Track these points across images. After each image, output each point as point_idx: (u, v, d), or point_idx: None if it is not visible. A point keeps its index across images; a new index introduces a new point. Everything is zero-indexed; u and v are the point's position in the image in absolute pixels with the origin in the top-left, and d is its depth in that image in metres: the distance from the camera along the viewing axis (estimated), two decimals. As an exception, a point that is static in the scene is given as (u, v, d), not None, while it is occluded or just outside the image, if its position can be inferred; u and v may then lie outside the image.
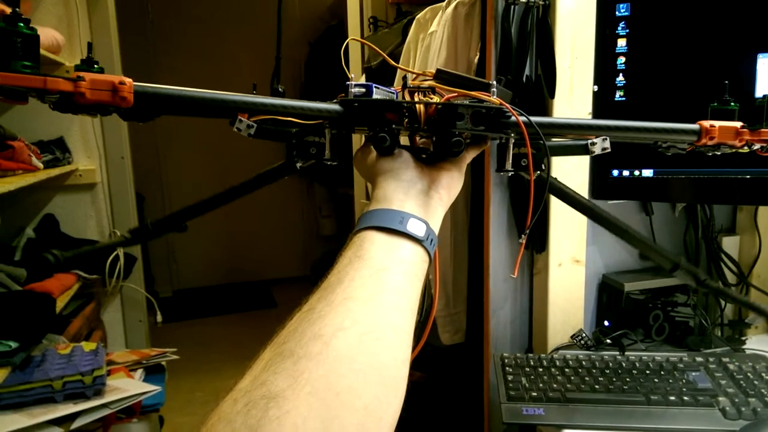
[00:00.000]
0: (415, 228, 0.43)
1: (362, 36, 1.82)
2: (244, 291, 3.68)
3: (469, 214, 1.22)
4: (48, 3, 1.68)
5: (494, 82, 0.48)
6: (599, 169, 0.92)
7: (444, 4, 1.18)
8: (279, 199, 3.75)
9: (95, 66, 0.60)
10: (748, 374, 0.84)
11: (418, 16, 1.34)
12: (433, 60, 1.21)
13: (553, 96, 0.90)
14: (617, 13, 0.88)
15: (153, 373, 1.47)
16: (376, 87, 0.49)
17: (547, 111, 0.92)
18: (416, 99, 0.50)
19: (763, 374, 0.84)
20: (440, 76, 0.51)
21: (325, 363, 0.32)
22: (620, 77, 0.90)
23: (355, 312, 0.36)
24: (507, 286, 1.04)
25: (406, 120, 0.47)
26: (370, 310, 0.37)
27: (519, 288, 1.04)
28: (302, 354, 0.32)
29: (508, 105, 0.46)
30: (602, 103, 0.92)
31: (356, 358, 0.33)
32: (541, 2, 0.90)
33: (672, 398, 0.79)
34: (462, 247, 1.22)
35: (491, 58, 0.94)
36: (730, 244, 1.05)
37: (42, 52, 1.47)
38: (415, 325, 0.40)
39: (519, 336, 1.06)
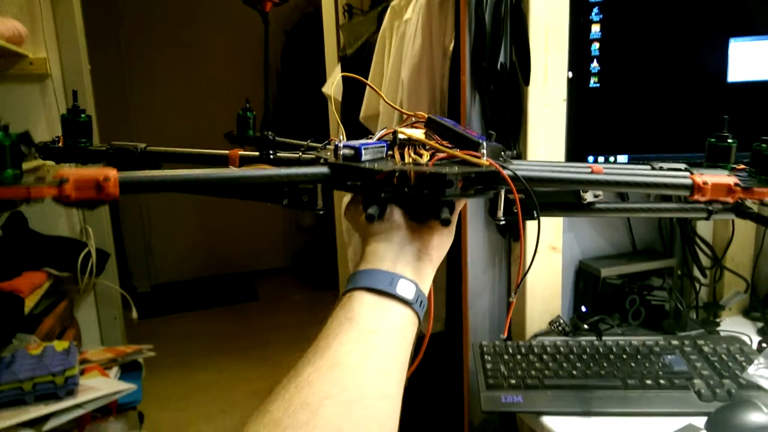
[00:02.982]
0: (405, 290, 0.43)
1: (337, 23, 1.79)
2: (225, 284, 3.63)
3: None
4: (8, -9, 1.61)
5: (484, 141, 0.48)
6: (575, 155, 0.92)
7: (418, -10, 1.16)
8: (258, 190, 3.69)
9: (82, 115, 0.58)
10: (723, 356, 0.86)
11: (393, 4, 1.32)
12: (408, 48, 1.19)
13: (527, 83, 0.90)
14: (591, -2, 0.88)
15: (129, 370, 1.44)
16: (365, 148, 0.48)
17: (522, 98, 0.91)
18: (406, 155, 0.49)
19: (737, 356, 0.85)
20: (430, 125, 0.51)
21: None
22: (594, 63, 0.90)
23: (343, 379, 0.36)
24: (485, 275, 1.04)
25: (396, 178, 0.45)
26: (358, 376, 0.37)
27: (497, 276, 1.04)
28: (289, 424, 0.32)
29: (497, 165, 0.46)
30: (577, 90, 0.91)
31: (344, 428, 0.33)
32: (515, -13, 0.88)
33: (648, 382, 0.80)
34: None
35: (465, 45, 0.92)
36: (704, 227, 1.06)
37: (3, 43, 1.41)
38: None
39: (498, 324, 1.06)
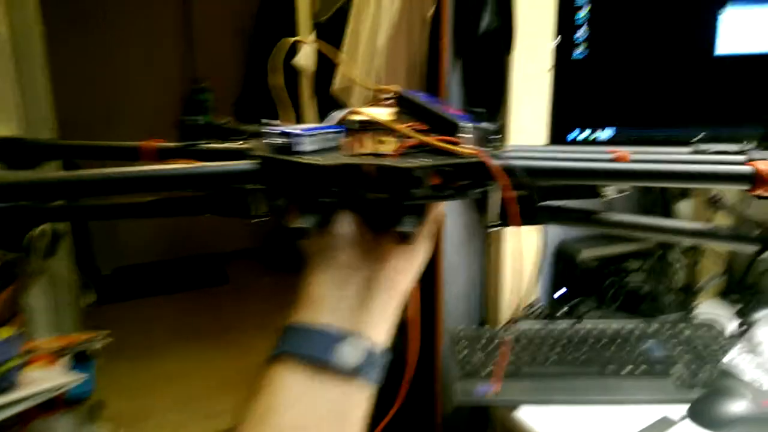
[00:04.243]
0: (350, 354, 0.32)
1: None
2: (193, 266, 3.52)
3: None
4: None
5: (466, 122, 0.36)
6: (556, 130, 0.87)
7: (394, -48, 1.09)
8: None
9: None
10: (701, 341, 0.83)
11: (367, -33, 1.24)
12: (385, 14, 1.12)
13: (511, 51, 0.84)
14: (577, -39, 0.82)
15: (83, 359, 1.35)
16: (310, 134, 0.36)
17: (504, 67, 0.85)
18: (369, 144, 0.37)
19: (716, 341, 0.83)
20: (402, 103, 0.39)
21: None
22: (581, 32, 0.85)
23: None
24: (460, 256, 0.98)
25: (348, 175, 0.34)
26: None
27: (472, 258, 0.99)
28: None
29: (483, 154, 0.34)
30: (562, 60, 0.86)
31: None
32: (497, -52, 0.82)
33: (628, 369, 0.77)
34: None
35: (447, 8, 0.86)
36: (684, 208, 1.03)
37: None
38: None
39: (472, 308, 1.01)
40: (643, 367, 0.77)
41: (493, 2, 0.84)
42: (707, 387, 0.73)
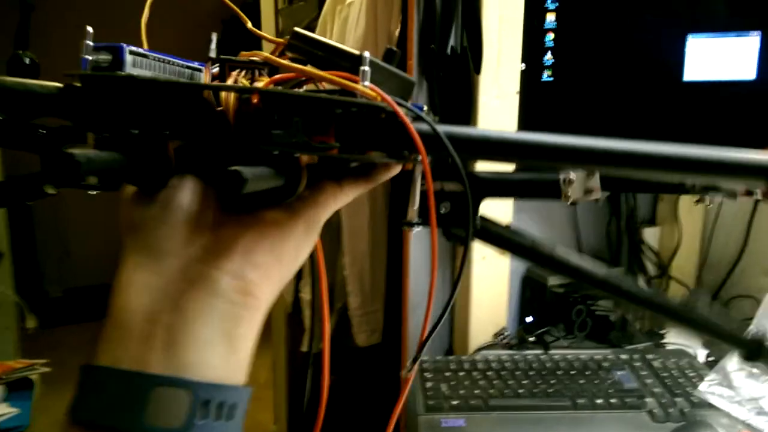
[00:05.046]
0: (170, 413, 0.21)
1: (276, 9, 1.67)
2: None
3: (388, 201, 1.12)
4: None
5: (367, 55, 0.25)
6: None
7: (362, -30, 1.07)
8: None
9: None
10: (672, 371, 0.81)
11: (335, -14, 1.22)
12: (350, 33, 1.10)
13: (479, 71, 0.82)
14: (546, -16, 0.81)
15: (19, 389, 1.24)
16: (150, 56, 0.27)
17: (472, 87, 0.83)
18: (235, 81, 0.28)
19: (687, 371, 0.81)
20: (296, 40, 0.27)
21: None
22: (549, 55, 0.84)
23: None
24: (427, 281, 0.95)
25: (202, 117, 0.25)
26: None
27: (441, 283, 0.95)
28: None
29: (389, 98, 0.25)
30: (529, 83, 0.84)
31: None
32: (466, -33, 0.81)
33: (599, 401, 0.74)
34: (381, 237, 1.12)
35: (413, 26, 0.84)
36: (650, 235, 1.03)
37: None
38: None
39: (439, 336, 0.97)
40: (615, 399, 0.74)
41: (460, 22, 0.83)
42: (682, 419, 0.70)
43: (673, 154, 0.25)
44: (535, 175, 0.38)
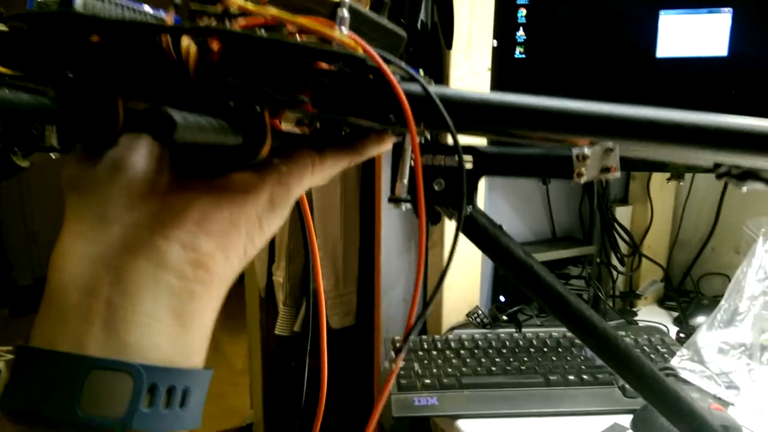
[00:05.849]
0: (109, 400, 0.19)
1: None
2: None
3: (360, 181, 1.10)
4: None
5: (347, 5, 0.22)
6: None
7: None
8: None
9: None
10: (644, 347, 0.82)
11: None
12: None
13: (450, 47, 0.80)
14: (519, -43, 0.80)
15: (-18, 378, 1.20)
16: None
17: (443, 64, 0.81)
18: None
19: (659, 347, 0.82)
20: None
21: None
22: (521, 31, 0.82)
23: None
24: (400, 262, 0.94)
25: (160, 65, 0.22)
26: None
27: (412, 264, 0.94)
28: None
29: (371, 48, 0.22)
30: (502, 60, 0.83)
31: None
32: (438, -62, 0.78)
33: (571, 377, 0.74)
34: (353, 218, 1.10)
35: (382, -1, 0.81)
36: (622, 214, 1.03)
37: None
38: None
39: (413, 317, 0.96)
40: (587, 376, 0.74)
41: (432, -5, 0.81)
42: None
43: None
44: (544, 150, 0.33)
